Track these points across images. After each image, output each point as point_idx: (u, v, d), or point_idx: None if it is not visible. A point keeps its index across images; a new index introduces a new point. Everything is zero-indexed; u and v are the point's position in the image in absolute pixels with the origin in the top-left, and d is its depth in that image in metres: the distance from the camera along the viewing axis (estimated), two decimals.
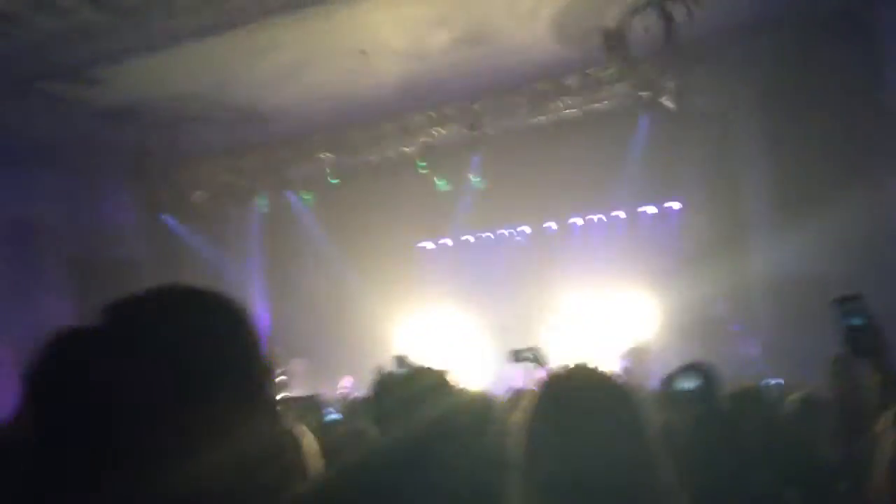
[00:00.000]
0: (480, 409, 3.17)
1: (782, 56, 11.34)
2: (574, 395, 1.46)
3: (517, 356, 5.48)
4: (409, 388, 2.80)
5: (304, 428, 3.49)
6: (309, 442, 3.35)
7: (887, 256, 10.61)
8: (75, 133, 12.57)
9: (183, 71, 10.98)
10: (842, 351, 2.56)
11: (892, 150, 10.87)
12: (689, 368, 2.62)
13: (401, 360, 7.65)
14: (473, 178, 13.99)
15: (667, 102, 11.58)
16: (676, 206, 14.56)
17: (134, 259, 15.02)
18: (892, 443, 1.84)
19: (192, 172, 14.51)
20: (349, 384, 14.11)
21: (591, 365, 1.54)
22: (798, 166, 11.49)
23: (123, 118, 12.35)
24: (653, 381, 10.30)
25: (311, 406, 6.35)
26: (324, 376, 14.74)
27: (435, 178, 14.04)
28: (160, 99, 11.86)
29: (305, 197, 15.28)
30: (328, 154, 14.16)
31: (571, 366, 1.52)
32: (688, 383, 2.57)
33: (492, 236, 16.40)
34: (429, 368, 3.06)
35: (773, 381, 8.15)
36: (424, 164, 13.74)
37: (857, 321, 2.42)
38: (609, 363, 11.73)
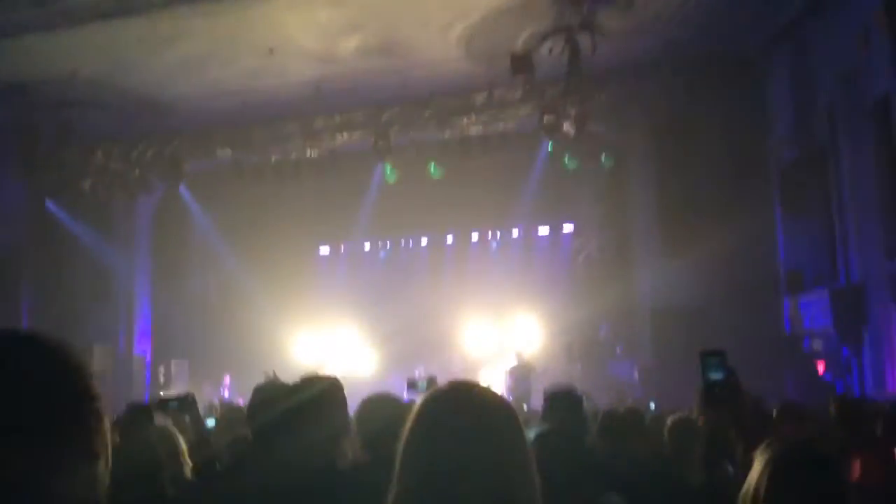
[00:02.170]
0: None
1: (678, 92, 11.87)
2: (446, 409, 1.48)
3: (413, 385, 5.53)
4: (290, 398, 2.78)
5: (174, 429, 3.40)
6: (180, 441, 3.27)
7: (764, 295, 11.24)
8: None
9: (80, 53, 10.52)
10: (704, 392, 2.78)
11: (772, 189, 11.53)
12: (712, 356, 2.70)
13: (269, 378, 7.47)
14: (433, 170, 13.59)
15: (567, 129, 11.91)
16: (569, 228, 15.00)
17: (15, 244, 14.22)
18: (760, 472, 1.97)
19: (82, 159, 13.86)
20: (227, 383, 13.80)
21: (471, 382, 1.57)
22: (684, 199, 12.05)
23: (13, 96, 11.70)
24: (535, 399, 10.54)
25: (186, 404, 6.09)
26: (206, 378, 14.35)
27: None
28: (54, 80, 11.30)
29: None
30: (227, 150, 13.83)
31: (451, 382, 1.55)
32: (717, 374, 2.66)
33: (391, 245, 16.42)
34: (317, 376, 3.04)
35: (651, 404, 8.48)
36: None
37: (716, 375, 2.68)
38: (495, 378, 11.92)
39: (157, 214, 15.61)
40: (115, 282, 15.00)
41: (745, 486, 2.01)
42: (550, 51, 10.57)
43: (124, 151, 14.04)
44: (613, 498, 2.72)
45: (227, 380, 13.88)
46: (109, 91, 11.88)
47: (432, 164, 13.39)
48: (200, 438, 4.08)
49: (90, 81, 11.49)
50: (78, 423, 1.01)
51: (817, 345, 10.29)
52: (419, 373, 11.53)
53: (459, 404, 1.47)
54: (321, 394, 2.80)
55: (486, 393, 1.53)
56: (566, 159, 12.88)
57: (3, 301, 13.94)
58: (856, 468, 2.89)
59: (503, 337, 13.83)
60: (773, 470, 1.98)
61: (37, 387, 1.00)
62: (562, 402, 3.78)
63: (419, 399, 1.52)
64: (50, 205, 14.36)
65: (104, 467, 1.03)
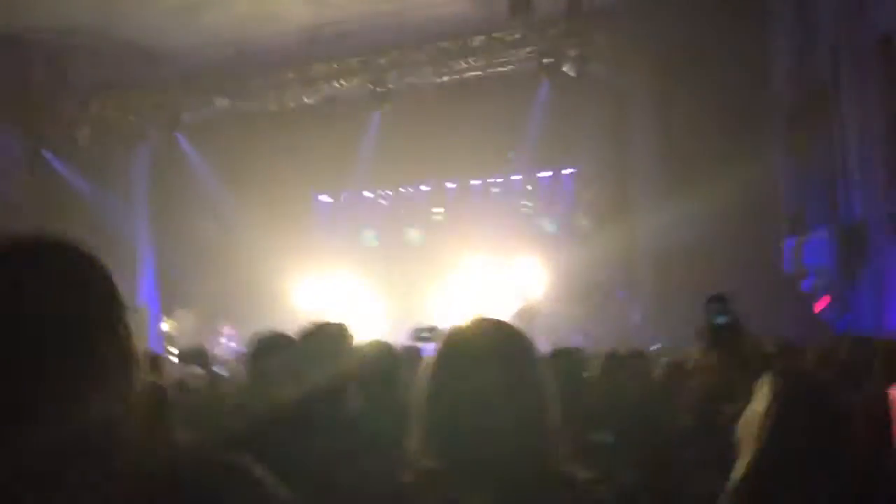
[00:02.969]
0: (385, 359, 3.22)
1: (679, 30, 11.68)
2: (471, 342, 1.50)
3: (417, 335, 5.58)
4: (301, 346, 2.80)
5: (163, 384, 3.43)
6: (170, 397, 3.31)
7: (765, 235, 11.22)
8: None
9: (73, 2, 10.35)
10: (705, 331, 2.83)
11: (775, 128, 11.43)
12: (716, 302, 2.75)
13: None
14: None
15: (567, 69, 11.76)
16: (570, 172, 14.92)
17: (12, 194, 14.20)
18: (766, 402, 1.97)
19: (77, 108, 13.74)
20: (229, 333, 13.91)
21: (488, 317, 1.59)
22: (686, 139, 11.94)
23: (7, 47, 11.56)
24: (539, 343, 10.62)
25: (198, 355, 6.20)
26: (210, 327, 14.46)
27: None
28: (46, 29, 11.15)
29: None
30: (224, 99, 13.70)
31: (470, 320, 1.57)
32: (721, 318, 2.72)
33: (392, 193, 16.36)
34: (326, 322, 3.07)
35: (654, 346, 8.55)
36: None
37: (720, 319, 2.73)
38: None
39: (155, 164, 15.51)
40: (116, 232, 14.96)
41: (746, 416, 2.02)
42: None
43: (120, 101, 13.92)
44: (603, 435, 2.77)
45: (227, 329, 13.97)
46: (104, 40, 11.73)
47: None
48: (212, 389, 4.14)
49: (84, 31, 11.35)
50: (113, 330, 1.03)
51: (817, 284, 10.33)
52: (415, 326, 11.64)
53: (479, 338, 1.50)
54: (329, 338, 2.82)
55: (503, 326, 1.55)
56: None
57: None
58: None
59: (507, 282, 13.88)
60: (778, 399, 1.99)
61: (75, 286, 1.01)
62: (563, 360, 3.81)
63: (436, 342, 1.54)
64: (46, 155, 14.27)
65: (137, 376, 1.03)
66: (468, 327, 1.55)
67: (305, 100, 13.58)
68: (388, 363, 3.29)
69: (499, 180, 15.57)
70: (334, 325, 3.03)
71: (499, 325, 1.56)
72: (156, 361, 5.80)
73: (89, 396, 0.94)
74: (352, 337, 2.97)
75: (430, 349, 2.06)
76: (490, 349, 1.47)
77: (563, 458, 1.44)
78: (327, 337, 2.85)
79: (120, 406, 1.00)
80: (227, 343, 13.88)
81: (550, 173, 15.17)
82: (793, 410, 1.97)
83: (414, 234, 15.48)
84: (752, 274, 10.98)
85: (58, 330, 0.95)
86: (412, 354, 3.61)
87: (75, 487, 0.91)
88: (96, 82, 13.23)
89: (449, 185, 15.85)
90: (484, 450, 1.38)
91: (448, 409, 1.42)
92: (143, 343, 14.48)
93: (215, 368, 7.30)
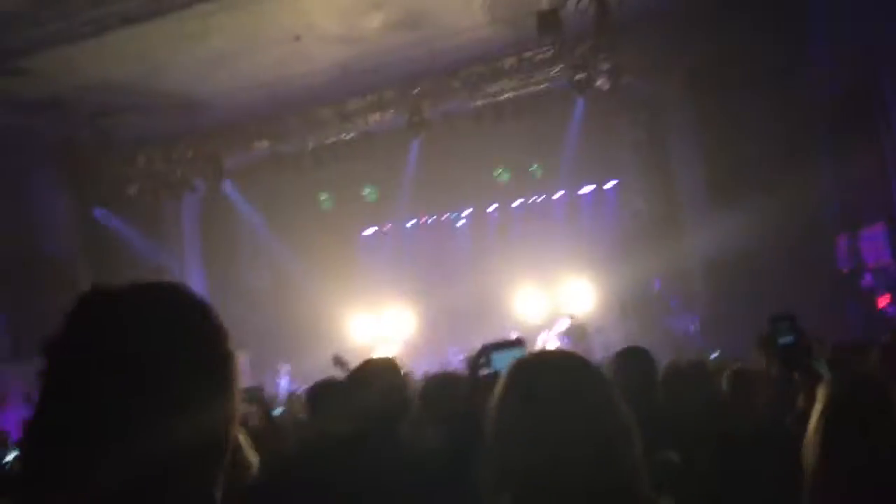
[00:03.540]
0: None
1: (711, 36, 11.57)
2: (543, 374, 1.47)
3: (473, 363, 5.55)
4: (352, 385, 2.81)
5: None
6: (244, 437, 3.35)
7: (816, 236, 10.98)
8: (1, 126, 12.12)
9: (110, 59, 10.66)
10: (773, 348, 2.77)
11: (819, 128, 11.21)
12: (783, 321, 2.70)
13: (337, 359, 7.64)
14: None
15: (601, 84, 11.72)
16: (612, 185, 14.81)
17: (67, 255, 14.58)
18: (821, 399, 1.96)
19: (124, 164, 14.11)
20: (286, 371, 14.03)
21: (554, 349, 1.57)
22: (728, 146, 11.77)
23: (50, 109, 11.94)
24: (593, 358, 10.51)
25: (255, 396, 6.30)
26: (266, 368, 14.61)
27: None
28: (88, 88, 11.50)
29: None
30: (264, 142, 13.94)
31: (539, 351, 1.55)
32: (787, 338, 2.67)
33: (435, 221, 16.42)
34: (373, 359, 3.08)
35: (713, 355, 8.39)
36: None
37: (787, 339, 2.66)
38: (550, 343, 11.91)
39: (204, 212, 15.84)
40: (169, 281, 15.26)
41: (809, 428, 2.00)
42: (577, 6, 10.38)
43: (165, 153, 14.25)
44: (669, 455, 2.70)
45: (284, 368, 14.09)
46: (143, 94, 12.04)
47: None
48: (269, 426, 4.17)
49: (123, 87, 11.66)
50: (211, 374, 1.09)
51: (878, 279, 10.07)
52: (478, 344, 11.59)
53: (549, 370, 1.48)
54: (377, 375, 2.83)
55: (572, 356, 1.54)
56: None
57: (61, 312, 14.29)
58: None
59: (555, 301, 13.78)
60: (830, 408, 1.97)
61: (194, 331, 1.10)
62: (632, 360, 3.74)
63: (505, 370, 1.51)
64: (98, 213, 14.65)
65: (236, 408, 1.11)
66: (539, 357, 1.53)
67: (343, 135, 13.74)
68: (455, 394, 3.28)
69: (540, 199, 15.53)
70: (382, 359, 3.05)
71: (569, 355, 1.54)
72: None
73: (178, 432, 1.01)
74: (401, 369, 2.97)
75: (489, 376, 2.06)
76: (564, 378, 1.44)
77: (645, 484, 1.40)
78: (376, 372, 2.85)
79: (227, 429, 1.08)
80: (284, 381, 13.99)
81: (593, 187, 15.09)
82: (845, 411, 1.95)
83: (459, 259, 15.47)
84: (808, 275, 10.73)
85: (156, 366, 1.02)
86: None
87: None
88: (141, 136, 13.57)
89: (491, 206, 15.87)
90: (565, 483, 1.35)
91: (525, 443, 1.38)
92: None
93: (275, 408, 7.36)
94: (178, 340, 1.07)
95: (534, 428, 1.38)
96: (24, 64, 10.42)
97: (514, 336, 2.32)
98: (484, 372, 2.14)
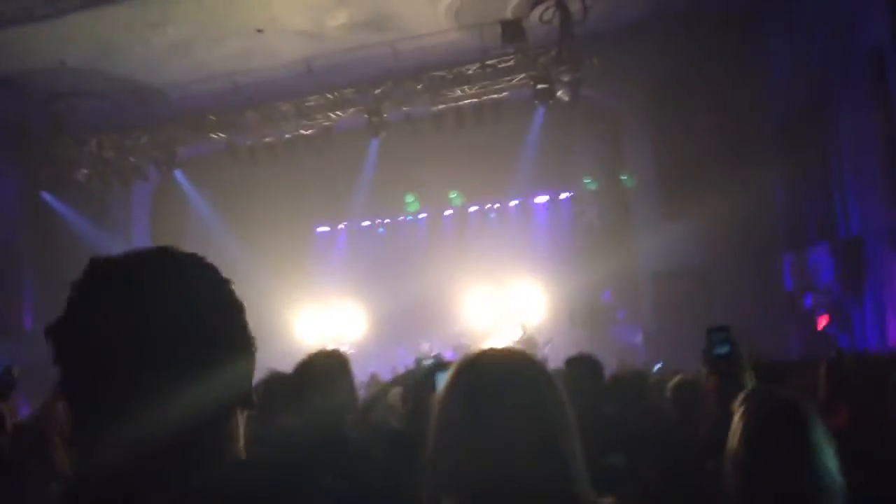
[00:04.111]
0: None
1: (672, 52, 11.79)
2: (487, 371, 1.45)
3: (419, 364, 5.55)
4: (299, 381, 2.80)
5: None
6: None
7: (763, 253, 11.23)
8: None
9: (66, 42, 10.45)
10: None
11: (769, 147, 11.49)
12: (718, 332, 2.77)
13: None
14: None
15: (562, 95, 11.84)
16: (567, 195, 14.98)
17: (14, 239, 14.22)
18: (740, 414, 2.03)
19: (75, 149, 13.80)
20: None
21: (498, 347, 1.56)
22: (682, 161, 12.00)
23: (2, 89, 11.64)
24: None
25: None
26: None
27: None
28: (42, 71, 11.24)
29: None
30: (221, 133, 13.76)
31: (481, 350, 1.54)
32: (722, 349, 2.74)
33: (389, 221, 16.40)
34: (321, 351, 3.07)
35: (656, 367, 8.52)
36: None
37: (722, 350, 2.78)
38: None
39: (155, 201, 15.57)
40: None
41: (734, 427, 2.07)
42: (541, 17, 10.50)
43: (117, 140, 13.96)
44: (618, 458, 2.75)
45: None
46: (99, 80, 11.82)
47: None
48: None
49: (79, 71, 11.43)
50: (241, 328, 1.18)
51: (819, 300, 10.32)
52: (426, 349, 11.60)
53: (495, 366, 1.46)
54: (325, 367, 2.82)
55: (518, 353, 1.52)
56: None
57: (4, 294, 13.97)
58: (842, 417, 2.99)
59: (506, 307, 13.85)
60: (746, 417, 2.04)
61: (209, 296, 1.17)
62: (581, 367, 3.80)
63: (449, 369, 1.50)
64: (46, 196, 14.31)
65: (254, 363, 1.17)
66: (483, 356, 1.50)
67: (302, 132, 13.63)
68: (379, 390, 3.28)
69: (496, 205, 15.63)
70: (328, 354, 3.04)
71: (514, 353, 1.52)
72: None
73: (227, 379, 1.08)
74: (348, 364, 2.96)
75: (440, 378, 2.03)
76: (508, 377, 1.43)
77: (586, 485, 1.40)
78: (322, 367, 2.85)
79: (248, 385, 1.15)
80: None
81: (547, 197, 15.23)
82: (760, 429, 2.02)
83: (412, 261, 15.47)
84: (754, 292, 10.99)
85: (170, 337, 1.04)
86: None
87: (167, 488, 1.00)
88: (93, 122, 13.30)
89: (447, 211, 15.91)
90: (506, 481, 1.34)
91: (469, 442, 1.37)
92: None
93: None
94: (192, 308, 1.11)
95: (477, 425, 1.37)
96: None
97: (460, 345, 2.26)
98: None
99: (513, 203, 15.49)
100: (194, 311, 1.11)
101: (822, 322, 10.16)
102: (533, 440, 1.36)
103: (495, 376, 1.43)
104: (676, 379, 3.95)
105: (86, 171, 14.04)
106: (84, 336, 1.03)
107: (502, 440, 1.35)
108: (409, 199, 15.27)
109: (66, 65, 11.10)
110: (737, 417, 2.06)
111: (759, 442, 1.99)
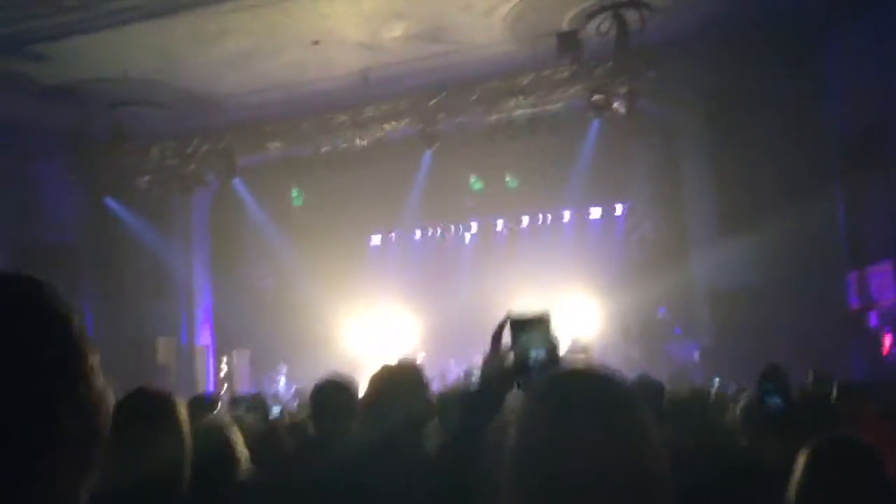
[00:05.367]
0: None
1: (730, 66, 11.58)
2: (575, 394, 1.36)
3: (469, 376, 5.47)
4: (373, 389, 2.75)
5: (229, 422, 3.41)
6: (237, 435, 3.30)
7: (823, 271, 10.93)
8: (16, 111, 12.18)
9: (130, 52, 10.71)
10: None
11: (830, 165, 11.19)
12: (772, 380, 2.66)
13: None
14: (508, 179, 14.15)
15: (617, 107, 11.71)
16: (622, 209, 14.78)
17: (75, 243, 14.63)
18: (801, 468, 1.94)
19: (137, 156, 14.15)
20: (283, 373, 14.06)
21: (592, 369, 1.47)
22: (741, 177, 11.76)
23: (66, 98, 12.00)
24: None
25: (257, 404, 6.36)
26: (266, 368, 14.60)
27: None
28: (105, 80, 11.55)
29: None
30: (277, 143, 13.97)
31: (571, 367, 1.46)
32: (775, 401, 2.63)
33: (442, 233, 16.42)
34: (404, 365, 3.02)
35: (714, 385, 8.34)
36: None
37: (775, 401, 2.63)
38: None
39: (213, 208, 15.87)
40: (175, 275, 15.31)
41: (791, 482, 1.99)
42: (598, 28, 10.40)
43: (178, 148, 14.28)
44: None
45: (282, 369, 14.12)
46: (160, 89, 12.09)
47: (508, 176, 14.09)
48: (266, 428, 4.14)
49: (141, 80, 11.71)
50: (63, 399, 0.85)
51: (884, 320, 10.00)
52: (477, 361, 11.53)
53: (584, 388, 1.37)
54: (402, 379, 2.76)
55: (605, 375, 1.41)
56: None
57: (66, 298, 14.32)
58: None
59: (559, 321, 13.69)
60: (810, 466, 1.95)
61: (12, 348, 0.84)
62: (643, 392, 3.69)
63: (530, 394, 1.40)
64: (109, 202, 14.69)
65: (96, 455, 0.88)
66: (571, 376, 1.43)
67: (357, 142, 13.76)
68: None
69: (549, 217, 15.51)
70: (406, 366, 2.98)
71: (605, 377, 1.41)
72: (211, 402, 5.86)
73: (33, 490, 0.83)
74: (424, 376, 2.87)
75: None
76: (597, 400, 1.34)
77: None
78: (400, 381, 2.77)
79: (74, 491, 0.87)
80: (281, 383, 14.00)
81: (602, 210, 15.06)
82: (824, 479, 1.93)
83: (464, 273, 15.44)
84: (815, 311, 10.67)
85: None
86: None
87: None
88: (155, 130, 13.61)
89: (499, 223, 15.86)
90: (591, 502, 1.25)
91: (550, 469, 1.28)
92: (201, 383, 14.71)
93: (273, 408, 7.34)
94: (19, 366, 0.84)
95: (563, 449, 1.28)
96: (43, 50, 10.48)
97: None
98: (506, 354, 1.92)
99: (566, 215, 15.36)
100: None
101: (888, 341, 9.83)
102: (621, 468, 1.27)
103: (584, 398, 1.34)
104: (747, 399, 3.76)
105: (147, 178, 14.39)
106: None
107: (589, 465, 1.27)
108: (473, 178, 15.08)
109: (128, 74, 11.37)
110: (802, 467, 1.97)
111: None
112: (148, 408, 2.24)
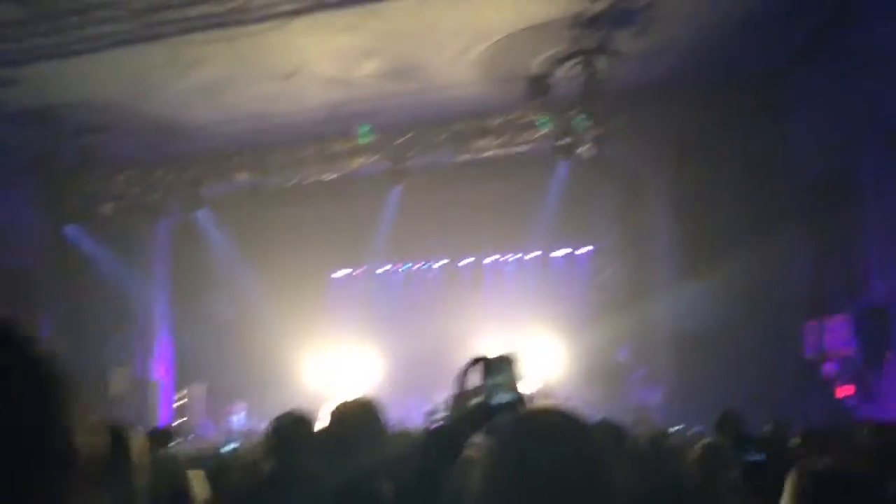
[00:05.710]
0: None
1: (696, 114, 11.83)
2: (540, 434, 1.36)
3: (431, 419, 5.41)
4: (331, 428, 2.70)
5: (193, 472, 3.33)
6: (199, 482, 3.21)
7: (785, 318, 11.09)
8: None
9: (99, 78, 10.63)
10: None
11: (795, 211, 11.42)
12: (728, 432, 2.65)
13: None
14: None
15: (584, 151, 11.88)
16: (587, 251, 14.91)
17: (33, 269, 14.32)
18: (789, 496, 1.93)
19: (102, 183, 13.97)
20: (240, 409, 13.82)
21: (548, 408, 1.45)
22: (705, 221, 11.95)
23: (34, 122, 11.83)
24: None
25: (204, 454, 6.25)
26: (223, 402, 14.34)
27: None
28: (73, 105, 11.43)
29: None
30: (245, 175, 13.90)
31: (533, 407, 1.43)
32: (755, 456, 2.62)
33: (407, 269, 16.39)
34: (360, 402, 2.94)
35: (674, 429, 8.35)
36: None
37: (754, 458, 2.67)
38: None
39: (176, 239, 15.67)
40: (134, 305, 15.04)
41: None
42: (567, 72, 10.58)
43: (144, 176, 14.14)
44: None
45: (240, 406, 13.89)
46: (129, 116, 11.99)
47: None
48: (221, 465, 4.05)
49: (110, 107, 11.61)
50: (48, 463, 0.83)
51: (839, 369, 10.14)
52: (439, 398, 11.44)
53: (549, 433, 1.36)
54: (358, 414, 2.69)
55: (572, 416, 1.40)
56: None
57: (19, 324, 13.99)
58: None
59: (524, 362, 13.67)
60: (801, 494, 1.94)
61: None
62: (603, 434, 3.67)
63: (496, 435, 1.37)
64: (69, 229, 14.44)
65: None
66: (537, 415, 1.41)
67: (324, 177, 13.75)
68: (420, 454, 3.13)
69: (513, 258, 15.59)
70: (363, 403, 2.89)
71: (570, 416, 1.40)
72: (164, 436, 5.75)
73: None
74: (382, 415, 2.80)
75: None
76: (563, 440, 1.33)
77: None
78: (357, 418, 2.70)
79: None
80: (239, 418, 13.75)
81: (567, 251, 15.18)
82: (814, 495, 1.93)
83: (427, 311, 15.39)
84: (773, 356, 10.82)
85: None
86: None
87: None
88: (121, 157, 13.47)
89: (465, 262, 15.89)
90: None
91: None
92: (154, 416, 14.38)
93: (228, 443, 7.19)
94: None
95: (533, 482, 1.28)
96: (12, 74, 10.35)
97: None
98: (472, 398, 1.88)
99: (531, 256, 15.45)
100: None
101: (843, 392, 9.96)
102: (581, 496, 1.26)
103: (550, 437, 1.34)
104: (703, 443, 3.78)
105: (111, 206, 14.19)
106: None
107: (551, 496, 1.26)
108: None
109: (99, 100, 11.28)
110: (790, 490, 1.96)
111: None
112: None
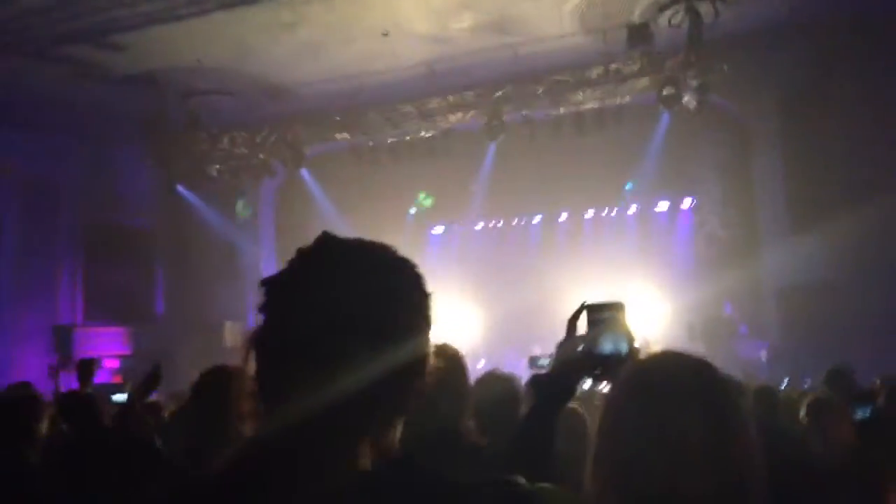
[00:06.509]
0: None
1: (805, 61, 11.27)
2: (661, 376, 1.33)
3: (535, 362, 5.46)
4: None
5: None
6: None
7: (891, 269, 10.57)
8: (95, 99, 12.60)
9: (204, 41, 10.98)
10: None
11: None
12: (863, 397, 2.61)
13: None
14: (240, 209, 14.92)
15: (688, 101, 11.51)
16: (689, 204, 14.52)
17: (147, 228, 15.10)
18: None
19: (208, 144, 14.51)
20: None
21: (678, 350, 1.43)
22: (813, 173, 11.44)
23: (143, 86, 12.36)
24: None
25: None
26: None
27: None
28: (180, 69, 11.86)
29: None
30: (345, 133, 14.15)
31: (658, 352, 1.43)
32: (865, 411, 2.59)
33: (504, 224, 16.39)
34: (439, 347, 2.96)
35: (783, 384, 8.18)
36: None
37: (864, 412, 2.60)
38: None
39: (280, 197, 16.16)
40: (242, 261, 15.66)
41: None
42: (670, 20, 10.23)
43: (248, 137, 14.59)
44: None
45: None
46: (233, 78, 12.36)
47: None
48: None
49: (215, 69, 11.98)
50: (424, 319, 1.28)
51: None
52: (538, 350, 11.51)
53: (672, 368, 1.33)
54: (443, 364, 2.72)
55: (694, 357, 1.37)
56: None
57: (139, 280, 14.84)
58: None
59: (630, 313, 13.52)
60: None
61: (409, 293, 1.30)
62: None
63: (618, 373, 1.39)
64: (180, 189, 15.12)
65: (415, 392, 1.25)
66: (660, 357, 1.39)
67: (423, 133, 13.84)
68: (504, 394, 3.17)
69: (614, 212, 15.34)
70: (442, 348, 2.89)
71: (691, 357, 1.36)
72: None
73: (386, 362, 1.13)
74: (462, 360, 2.82)
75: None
76: (685, 379, 1.30)
77: (761, 501, 1.25)
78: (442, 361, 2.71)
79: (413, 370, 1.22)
80: None
81: (668, 204, 14.82)
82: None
83: (526, 265, 15.38)
84: (881, 313, 10.35)
85: (373, 319, 1.15)
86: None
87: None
88: (226, 119, 13.93)
89: (563, 215, 15.75)
90: (677, 486, 1.22)
91: (638, 442, 1.26)
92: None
93: None
94: (390, 293, 1.23)
95: (650, 427, 1.26)
96: (121, 39, 10.81)
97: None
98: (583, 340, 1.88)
99: (632, 209, 15.17)
100: (396, 301, 1.23)
101: None
102: (709, 446, 1.24)
103: (672, 377, 1.32)
104: (813, 396, 3.68)
105: (217, 167, 14.74)
106: (301, 297, 1.14)
107: (676, 444, 1.25)
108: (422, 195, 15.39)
109: (203, 63, 11.66)
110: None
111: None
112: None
